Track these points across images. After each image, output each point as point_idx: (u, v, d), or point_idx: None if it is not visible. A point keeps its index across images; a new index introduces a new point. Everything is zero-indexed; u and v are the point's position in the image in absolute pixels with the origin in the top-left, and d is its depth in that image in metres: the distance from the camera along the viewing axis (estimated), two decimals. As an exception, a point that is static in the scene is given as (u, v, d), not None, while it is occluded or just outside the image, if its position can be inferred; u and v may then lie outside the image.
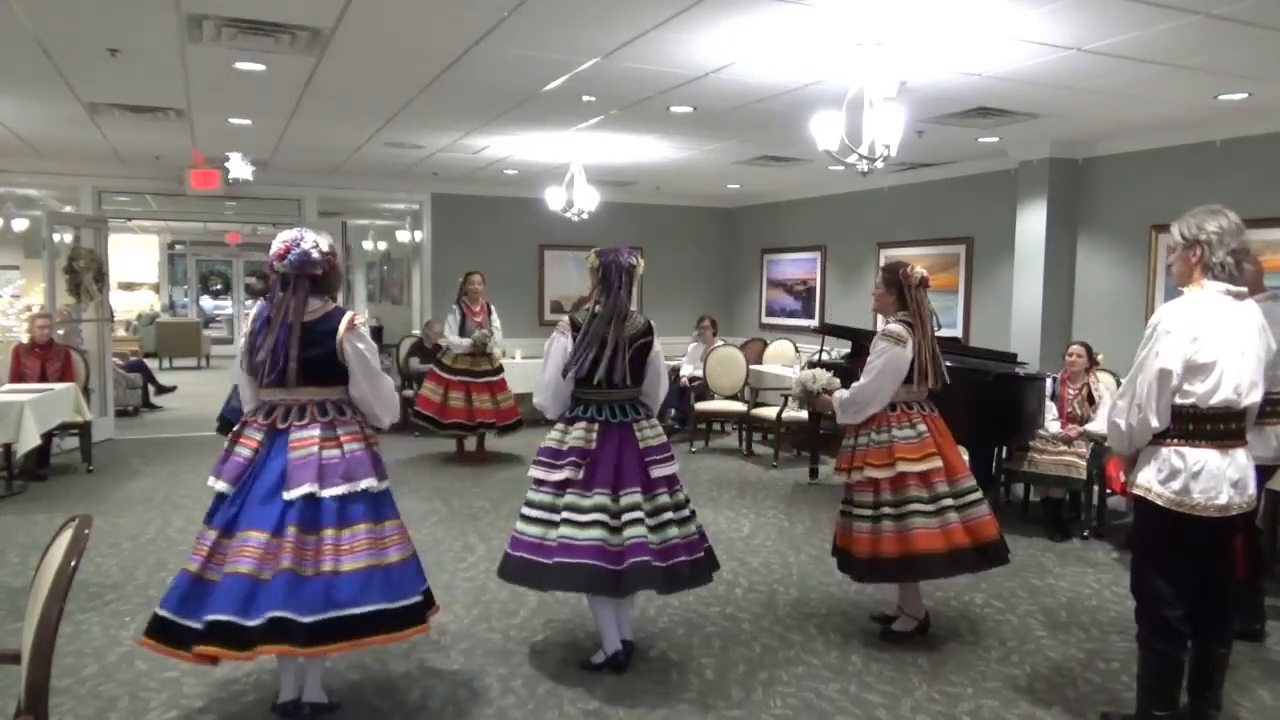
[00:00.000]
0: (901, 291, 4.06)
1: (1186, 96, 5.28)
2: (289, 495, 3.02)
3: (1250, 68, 4.65)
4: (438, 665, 3.78)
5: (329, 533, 3.04)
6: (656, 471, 3.66)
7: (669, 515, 3.65)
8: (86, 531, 2.13)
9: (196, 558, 3.07)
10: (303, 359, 3.12)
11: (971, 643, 4.11)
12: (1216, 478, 2.96)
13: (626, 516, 3.54)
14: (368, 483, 3.14)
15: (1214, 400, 2.96)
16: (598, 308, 3.74)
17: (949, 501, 3.95)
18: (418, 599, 3.19)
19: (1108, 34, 4.14)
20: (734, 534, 5.83)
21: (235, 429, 3.25)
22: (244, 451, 3.12)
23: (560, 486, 3.61)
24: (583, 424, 3.66)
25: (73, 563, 2.04)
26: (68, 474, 7.31)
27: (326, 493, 3.05)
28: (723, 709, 3.43)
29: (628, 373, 3.69)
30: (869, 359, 4.03)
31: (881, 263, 9.00)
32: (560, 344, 3.73)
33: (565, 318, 3.83)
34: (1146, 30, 4.05)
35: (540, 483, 3.68)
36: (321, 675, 3.30)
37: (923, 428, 4.01)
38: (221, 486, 3.12)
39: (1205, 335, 2.94)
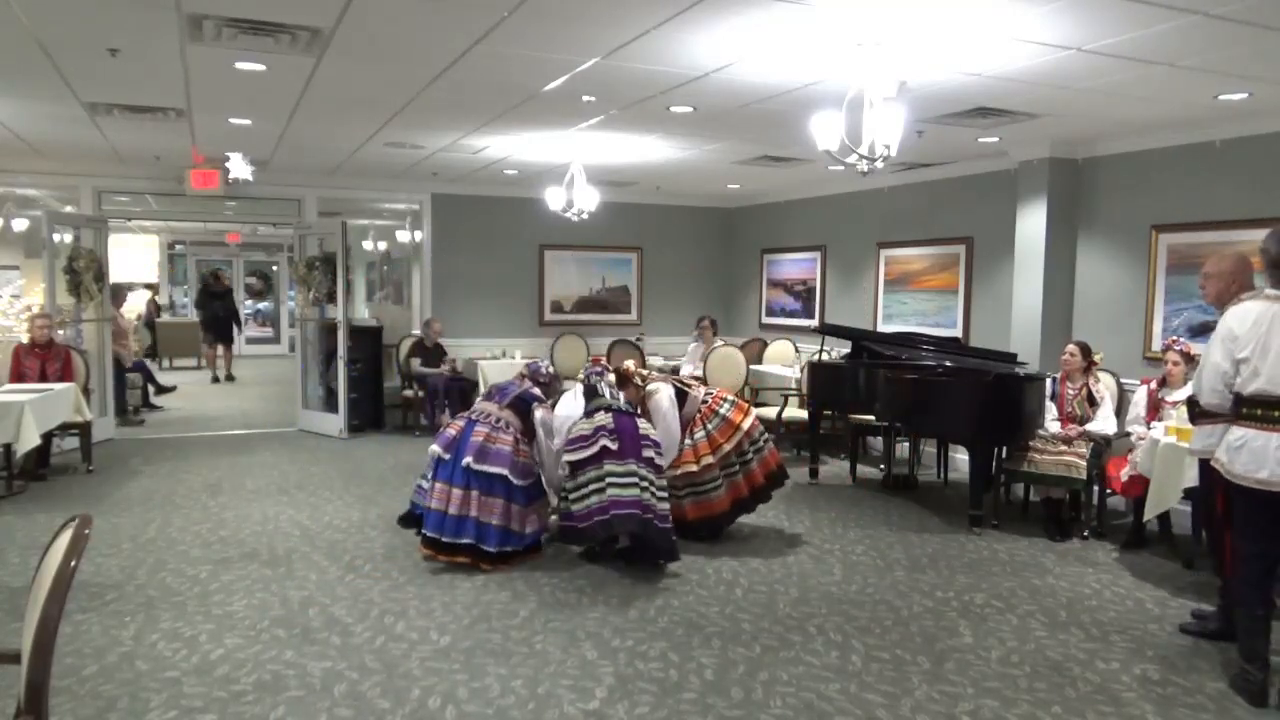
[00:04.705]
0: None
1: (1186, 96, 5.28)
2: (463, 464, 4.98)
3: (1250, 68, 4.64)
4: (438, 665, 3.78)
5: (476, 493, 4.96)
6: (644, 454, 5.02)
7: (649, 484, 4.97)
8: (86, 531, 2.14)
9: (433, 499, 5.04)
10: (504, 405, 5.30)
11: (971, 643, 4.12)
12: (1258, 453, 3.48)
13: (641, 481, 4.89)
14: (500, 470, 4.98)
15: (1250, 388, 3.50)
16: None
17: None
18: (512, 548, 5.05)
19: (1108, 34, 4.14)
20: (734, 534, 5.82)
21: (452, 419, 5.48)
22: (450, 432, 5.17)
23: (599, 458, 4.89)
24: (600, 412, 5.05)
25: (73, 563, 2.04)
26: (68, 474, 7.32)
27: (476, 466, 4.96)
28: (723, 709, 3.44)
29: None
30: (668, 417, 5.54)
31: (882, 263, 9.04)
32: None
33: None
34: (1146, 30, 4.05)
35: (578, 466, 4.94)
36: None
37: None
38: (436, 450, 5.09)
39: (1243, 335, 3.55)
